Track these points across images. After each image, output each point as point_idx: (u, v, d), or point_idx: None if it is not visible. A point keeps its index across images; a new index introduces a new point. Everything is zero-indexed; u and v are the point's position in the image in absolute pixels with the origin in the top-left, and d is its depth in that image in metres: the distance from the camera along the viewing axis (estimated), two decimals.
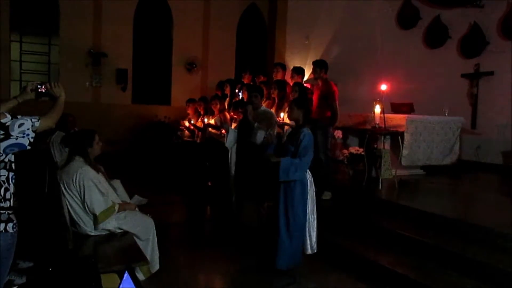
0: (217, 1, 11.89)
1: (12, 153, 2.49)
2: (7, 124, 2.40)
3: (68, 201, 3.71)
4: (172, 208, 6.90)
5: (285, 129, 5.87)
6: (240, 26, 12.33)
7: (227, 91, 7.85)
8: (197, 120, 8.06)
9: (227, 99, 7.70)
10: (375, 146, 6.38)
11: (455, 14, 9.64)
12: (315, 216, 4.25)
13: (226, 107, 7.39)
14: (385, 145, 6.16)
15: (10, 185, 2.51)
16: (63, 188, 3.71)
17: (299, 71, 6.70)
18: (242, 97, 6.72)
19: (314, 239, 4.22)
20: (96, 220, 3.67)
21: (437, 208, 4.99)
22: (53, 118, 2.60)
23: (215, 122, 7.21)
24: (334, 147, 6.91)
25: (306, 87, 6.52)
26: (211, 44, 12.00)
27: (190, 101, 8.66)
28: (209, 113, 7.65)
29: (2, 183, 2.46)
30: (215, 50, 11.98)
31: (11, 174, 2.51)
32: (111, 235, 3.80)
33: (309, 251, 4.20)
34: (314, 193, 4.28)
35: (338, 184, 6.27)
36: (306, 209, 4.16)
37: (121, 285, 2.45)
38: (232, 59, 12.26)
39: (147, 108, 11.24)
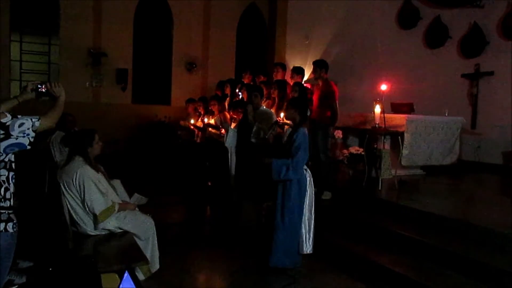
0: (217, 1, 11.88)
1: (12, 153, 2.49)
2: (7, 123, 2.40)
3: (68, 200, 3.71)
4: (172, 208, 6.89)
5: (285, 129, 5.87)
6: (240, 26, 12.32)
7: (227, 91, 7.85)
8: (197, 120, 8.06)
9: (227, 99, 7.70)
10: (375, 146, 6.38)
11: (455, 14, 9.65)
12: (313, 215, 4.25)
13: (227, 107, 7.39)
14: (385, 145, 6.16)
15: (10, 185, 2.51)
16: (63, 188, 3.71)
17: (299, 71, 6.70)
18: (242, 97, 6.72)
19: (311, 238, 4.22)
20: (96, 219, 3.67)
21: (437, 208, 4.99)
22: (53, 118, 2.60)
23: (215, 122, 7.21)
24: (334, 147, 6.91)
25: (306, 87, 6.52)
26: (211, 44, 11.99)
27: (190, 101, 8.67)
28: (209, 113, 7.65)
29: (2, 182, 2.47)
30: (215, 50, 11.98)
31: (11, 173, 2.51)
32: (111, 235, 3.80)
33: (305, 251, 4.20)
34: (313, 192, 4.29)
35: (338, 184, 6.27)
36: (303, 208, 4.17)
37: (121, 285, 2.45)
38: (232, 59, 12.26)
39: (147, 108, 11.23)
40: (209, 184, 7.38)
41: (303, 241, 4.19)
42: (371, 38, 9.80)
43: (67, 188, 3.69)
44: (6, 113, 2.44)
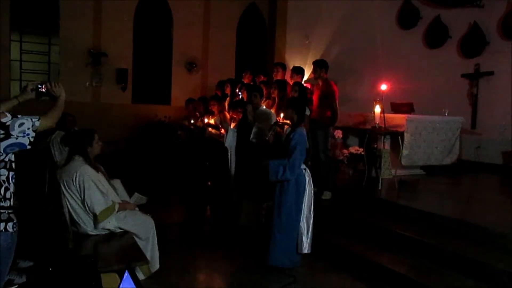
0: (217, 1, 11.89)
1: (12, 153, 2.49)
2: (7, 123, 2.40)
3: (68, 200, 3.71)
4: (172, 208, 6.90)
5: (285, 128, 5.87)
6: (240, 26, 12.32)
7: (228, 90, 7.85)
8: (196, 120, 8.06)
9: (228, 98, 7.70)
10: (375, 146, 6.38)
11: (455, 14, 9.65)
12: (312, 215, 4.26)
13: (227, 107, 7.39)
14: (385, 145, 6.16)
15: (10, 185, 2.51)
16: (63, 188, 3.71)
17: (299, 71, 6.70)
18: (242, 97, 6.72)
19: (309, 238, 4.22)
20: (96, 219, 3.68)
21: (437, 208, 4.99)
22: (53, 118, 2.60)
23: (215, 122, 7.21)
24: (334, 147, 6.91)
25: (306, 87, 6.52)
26: (211, 44, 11.99)
27: (190, 101, 8.66)
28: (209, 113, 7.65)
29: (2, 182, 2.47)
30: (215, 50, 11.98)
31: (11, 173, 2.51)
32: (111, 234, 3.80)
33: (303, 250, 4.21)
34: (313, 191, 4.29)
35: (338, 184, 6.27)
36: (301, 208, 4.18)
37: (121, 285, 2.45)
38: (232, 59, 12.26)
39: (147, 107, 11.23)
40: (209, 184, 7.38)
41: (301, 240, 4.19)
42: (371, 38, 9.80)
43: (67, 188, 3.69)
44: (6, 113, 2.44)
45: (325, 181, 5.85)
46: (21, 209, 2.96)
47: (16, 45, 10.42)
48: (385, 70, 8.80)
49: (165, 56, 11.72)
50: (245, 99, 6.40)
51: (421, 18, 10.03)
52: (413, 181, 6.74)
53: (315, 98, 6.00)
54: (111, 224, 3.78)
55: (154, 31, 11.59)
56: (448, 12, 9.75)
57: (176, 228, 5.74)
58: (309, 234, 4.22)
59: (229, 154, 6.17)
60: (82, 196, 3.65)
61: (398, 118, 6.56)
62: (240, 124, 5.95)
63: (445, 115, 7.12)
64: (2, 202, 2.47)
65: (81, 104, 9.65)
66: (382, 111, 5.81)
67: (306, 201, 4.21)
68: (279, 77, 6.93)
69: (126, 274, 2.45)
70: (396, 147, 6.40)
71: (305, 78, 8.34)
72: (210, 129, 7.26)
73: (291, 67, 7.14)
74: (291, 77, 6.64)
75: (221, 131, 6.75)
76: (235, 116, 6.39)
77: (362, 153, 6.46)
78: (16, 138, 2.42)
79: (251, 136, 5.50)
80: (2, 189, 2.47)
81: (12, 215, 2.51)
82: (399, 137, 6.31)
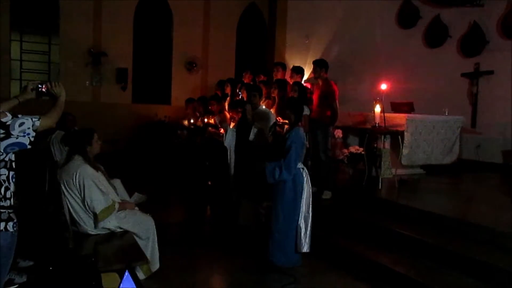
0: (217, 1, 11.88)
1: (13, 152, 2.50)
2: (7, 123, 2.41)
3: (68, 200, 3.71)
4: (172, 208, 6.90)
5: (285, 128, 5.88)
6: (240, 25, 12.32)
7: (228, 90, 7.85)
8: (196, 120, 8.06)
9: (228, 98, 7.70)
10: (375, 145, 6.37)
11: (455, 14, 9.65)
12: (311, 214, 4.26)
13: (227, 106, 7.40)
14: (385, 144, 6.16)
15: (11, 184, 2.51)
16: (63, 187, 3.71)
17: (299, 71, 6.70)
18: (242, 97, 6.73)
19: (308, 237, 4.22)
20: (96, 218, 3.68)
21: (437, 208, 4.99)
22: (54, 118, 2.61)
23: (215, 122, 7.21)
24: (334, 147, 6.90)
25: (305, 87, 6.52)
26: (211, 44, 11.99)
27: (189, 101, 8.66)
28: (209, 112, 7.65)
29: (2, 182, 2.47)
30: (215, 49, 11.98)
31: (11, 173, 2.51)
32: (111, 234, 3.80)
33: (302, 249, 4.21)
34: (311, 190, 4.30)
35: (338, 183, 6.27)
36: (298, 207, 4.18)
37: (121, 284, 2.45)
38: (232, 59, 12.26)
39: (147, 107, 11.23)
40: (209, 184, 7.38)
41: (300, 239, 4.19)
42: (371, 38, 9.80)
43: (67, 188, 3.69)
44: (6, 113, 2.44)
45: (325, 181, 5.85)
46: (21, 209, 2.96)
47: (16, 45, 10.43)
48: (385, 70, 8.80)
49: (165, 55, 11.72)
50: (245, 99, 6.40)
51: (421, 18, 10.03)
52: (413, 180, 6.74)
53: (315, 97, 6.01)
54: (111, 223, 3.78)
55: (154, 30, 11.59)
56: (448, 12, 9.75)
57: (176, 227, 5.75)
58: (308, 233, 4.23)
59: (228, 153, 6.17)
60: (82, 195, 3.65)
61: (398, 118, 6.56)
62: (239, 124, 5.95)
63: (445, 115, 7.12)
64: (2, 202, 2.47)
65: (81, 103, 9.65)
66: (382, 111, 5.81)
67: (304, 200, 4.21)
68: (279, 76, 6.94)
69: (127, 274, 2.45)
70: (396, 146, 6.41)
71: (305, 77, 8.34)
72: (210, 129, 7.26)
73: (291, 66, 7.14)
74: (291, 76, 6.64)
75: (220, 131, 6.75)
76: (234, 115, 6.39)
77: (362, 152, 6.46)
78: (17, 138, 2.42)
79: (250, 136, 5.50)
80: (2, 188, 2.47)
81: (12, 215, 2.51)
82: (399, 137, 6.31)
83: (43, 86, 2.65)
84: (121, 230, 3.84)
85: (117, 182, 4.31)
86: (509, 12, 8.77)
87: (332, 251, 4.71)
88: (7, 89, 10.00)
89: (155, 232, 3.99)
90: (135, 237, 3.81)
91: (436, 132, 6.82)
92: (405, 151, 6.43)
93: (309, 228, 4.23)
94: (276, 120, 5.71)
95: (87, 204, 3.65)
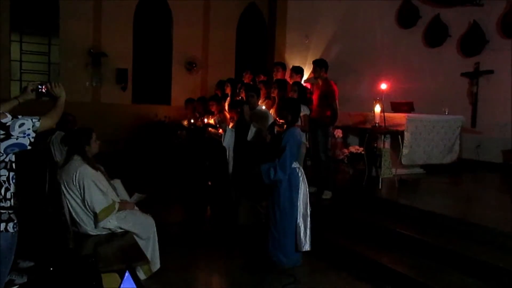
0: (217, 1, 11.89)
1: (13, 153, 2.50)
2: (7, 124, 2.41)
3: (68, 200, 3.71)
4: (172, 208, 6.90)
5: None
6: (240, 25, 12.33)
7: (228, 90, 7.85)
8: (196, 120, 8.06)
9: (228, 98, 7.70)
10: (375, 145, 6.37)
11: (454, 13, 9.64)
12: (309, 212, 4.26)
13: (227, 106, 7.40)
14: (385, 144, 6.16)
15: (11, 185, 2.51)
16: (63, 188, 3.71)
17: (298, 71, 6.70)
18: (242, 97, 6.73)
19: (308, 235, 4.22)
20: (96, 218, 3.68)
21: (437, 207, 4.99)
22: (54, 118, 2.61)
23: (215, 122, 7.22)
24: (334, 146, 6.91)
25: (305, 87, 6.52)
26: (211, 44, 12.00)
27: (189, 101, 8.66)
28: (208, 113, 7.65)
29: (2, 183, 2.47)
30: (215, 50, 11.98)
31: (11, 174, 2.51)
32: (111, 234, 3.80)
33: (303, 248, 4.21)
34: (307, 189, 4.30)
35: (339, 183, 6.27)
36: (295, 206, 4.18)
37: (122, 285, 2.45)
38: (232, 59, 12.26)
39: (147, 108, 11.24)
40: (209, 183, 7.38)
41: (300, 238, 4.19)
42: (370, 37, 9.81)
43: (67, 188, 3.69)
44: (6, 114, 2.44)
45: (325, 181, 5.85)
46: (21, 210, 2.96)
47: (16, 46, 10.44)
48: (385, 69, 8.80)
49: (165, 56, 11.73)
50: (244, 99, 6.40)
51: (421, 17, 10.02)
52: (413, 180, 6.74)
53: (315, 97, 6.00)
54: (111, 223, 3.78)
55: (154, 31, 11.60)
56: (448, 11, 9.74)
57: (176, 227, 5.75)
58: (308, 231, 4.23)
59: (227, 154, 6.17)
60: (82, 195, 3.65)
61: (398, 117, 6.56)
62: (238, 124, 5.96)
63: (445, 114, 7.13)
64: (3, 203, 2.47)
65: (81, 104, 9.66)
66: (382, 110, 5.81)
67: (301, 199, 4.22)
68: (279, 76, 6.93)
69: (127, 274, 2.45)
70: (396, 146, 6.41)
71: (305, 77, 8.35)
72: (210, 129, 7.26)
73: (291, 66, 7.14)
74: (291, 76, 6.64)
75: (219, 131, 6.76)
76: (234, 116, 6.40)
77: (362, 152, 6.46)
78: (17, 139, 2.42)
79: (249, 136, 5.50)
80: (3, 189, 2.47)
81: (12, 216, 2.51)
82: (399, 136, 6.31)
83: (43, 87, 2.65)
84: (122, 230, 3.84)
85: (117, 183, 4.31)
86: (509, 12, 8.76)
87: (333, 251, 4.71)
88: (7, 89, 10.01)
89: (156, 232, 4.00)
90: (135, 237, 3.81)
91: (436, 132, 6.82)
92: (405, 150, 6.43)
93: (308, 227, 4.23)
94: (276, 120, 5.70)
95: (87, 204, 3.65)
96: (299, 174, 4.25)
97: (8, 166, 2.49)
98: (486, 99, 9.03)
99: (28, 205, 5.07)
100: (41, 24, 10.60)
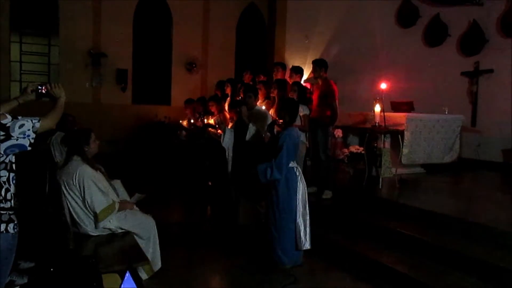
0: (217, 1, 11.90)
1: (13, 154, 2.50)
2: (7, 125, 2.41)
3: (68, 201, 3.72)
4: (172, 208, 6.91)
5: None
6: (239, 26, 12.34)
7: (228, 91, 7.85)
8: (196, 121, 8.06)
9: (228, 99, 7.70)
10: (375, 145, 6.37)
11: (454, 12, 9.64)
12: (308, 211, 4.26)
13: (227, 107, 7.39)
14: (385, 143, 6.16)
15: (11, 186, 2.51)
16: (63, 188, 3.71)
17: (298, 71, 6.69)
18: (241, 97, 6.72)
19: (307, 234, 4.22)
20: (96, 218, 3.68)
21: (437, 207, 4.99)
22: (54, 119, 2.61)
23: (215, 123, 7.21)
24: (334, 146, 6.90)
25: (305, 87, 6.51)
26: (211, 44, 12.00)
27: (189, 101, 8.66)
28: (208, 113, 7.65)
29: (2, 183, 2.47)
30: (215, 50, 11.99)
31: (11, 174, 2.52)
32: (112, 235, 3.81)
33: (303, 247, 4.21)
34: (306, 188, 4.30)
35: (339, 183, 6.27)
36: (294, 205, 4.19)
37: (122, 285, 2.46)
38: (232, 59, 12.27)
39: (147, 108, 11.24)
40: (210, 184, 7.38)
41: (300, 237, 4.19)
42: (370, 37, 9.80)
43: (67, 189, 3.70)
44: (6, 114, 2.44)
45: (325, 181, 5.85)
46: (21, 210, 2.96)
47: (16, 46, 10.44)
48: (385, 69, 8.80)
49: (165, 56, 11.73)
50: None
51: (421, 17, 10.02)
52: (414, 179, 6.74)
53: (314, 97, 6.00)
54: (111, 224, 3.78)
55: (153, 31, 11.61)
56: (448, 11, 9.74)
57: (177, 227, 5.75)
58: (307, 230, 4.22)
59: (226, 154, 6.17)
60: (82, 195, 3.65)
61: (398, 117, 6.56)
62: (236, 125, 5.96)
63: (445, 114, 7.13)
64: (3, 203, 2.47)
65: (81, 104, 9.66)
66: (382, 110, 5.81)
67: (300, 198, 4.22)
68: (279, 76, 6.94)
69: (128, 275, 2.46)
70: (396, 145, 6.41)
71: (305, 77, 8.34)
72: (210, 129, 7.26)
73: (291, 66, 7.14)
74: (290, 76, 6.63)
75: (219, 132, 6.76)
76: (233, 116, 6.40)
77: (362, 152, 6.46)
78: (17, 140, 2.43)
79: (247, 136, 5.50)
80: (3, 190, 2.47)
81: (13, 216, 2.51)
82: (399, 136, 6.31)
83: (43, 88, 2.66)
84: (122, 230, 3.84)
85: (117, 183, 4.32)
86: (509, 11, 8.76)
87: (333, 250, 4.71)
88: (7, 90, 10.02)
89: (156, 232, 4.00)
90: (136, 237, 3.81)
91: (436, 131, 6.82)
92: (405, 150, 6.43)
93: (308, 225, 4.23)
94: (276, 120, 5.70)
95: (87, 204, 3.66)
96: (297, 174, 4.26)
97: (8, 167, 2.49)
98: (486, 98, 9.03)
99: (28, 206, 5.06)
100: (41, 24, 10.61)
